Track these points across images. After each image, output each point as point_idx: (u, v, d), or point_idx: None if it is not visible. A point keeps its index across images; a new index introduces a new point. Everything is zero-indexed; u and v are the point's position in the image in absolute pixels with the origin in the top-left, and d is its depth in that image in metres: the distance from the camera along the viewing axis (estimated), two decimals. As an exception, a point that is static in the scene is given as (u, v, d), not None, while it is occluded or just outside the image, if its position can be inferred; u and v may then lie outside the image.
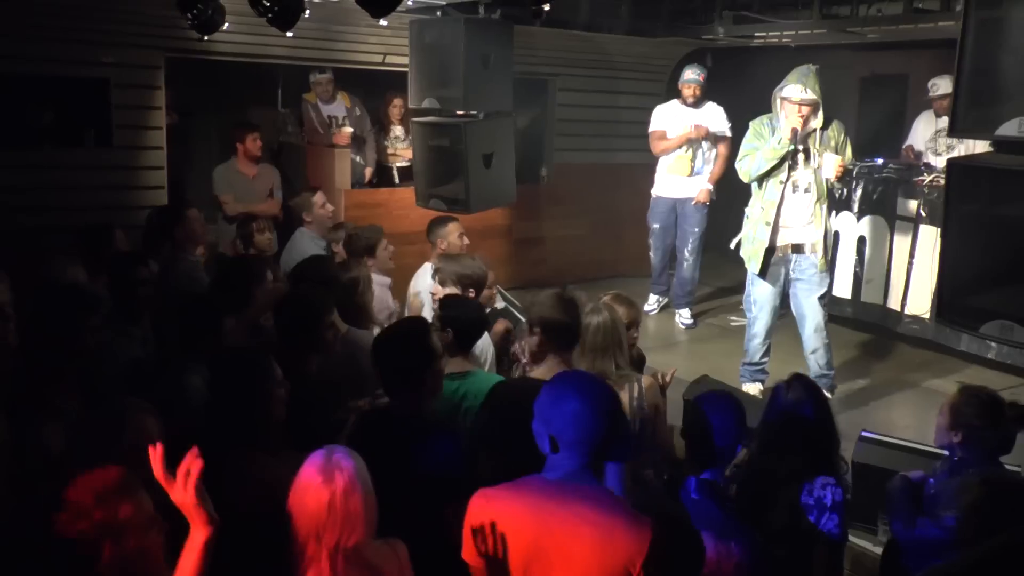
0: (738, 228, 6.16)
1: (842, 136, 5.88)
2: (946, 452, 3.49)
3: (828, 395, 5.44)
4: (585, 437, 2.38)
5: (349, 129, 7.83)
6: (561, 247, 9.02)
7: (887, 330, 7.46)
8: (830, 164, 5.71)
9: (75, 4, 6.33)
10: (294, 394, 3.05)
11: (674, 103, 7.90)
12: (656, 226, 8.00)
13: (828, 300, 6.11)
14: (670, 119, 7.82)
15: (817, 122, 5.76)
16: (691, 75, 7.72)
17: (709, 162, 7.80)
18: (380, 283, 5.35)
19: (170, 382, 3.50)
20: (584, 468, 2.39)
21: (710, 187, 7.80)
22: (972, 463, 3.29)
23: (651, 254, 8.20)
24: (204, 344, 3.62)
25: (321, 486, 2.26)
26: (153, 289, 4.37)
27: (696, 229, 7.85)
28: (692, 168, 7.77)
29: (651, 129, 7.94)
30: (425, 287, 5.15)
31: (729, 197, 7.70)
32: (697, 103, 7.73)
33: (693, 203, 7.80)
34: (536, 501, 2.38)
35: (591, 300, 3.92)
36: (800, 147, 5.74)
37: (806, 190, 5.85)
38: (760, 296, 6.08)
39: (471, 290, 4.54)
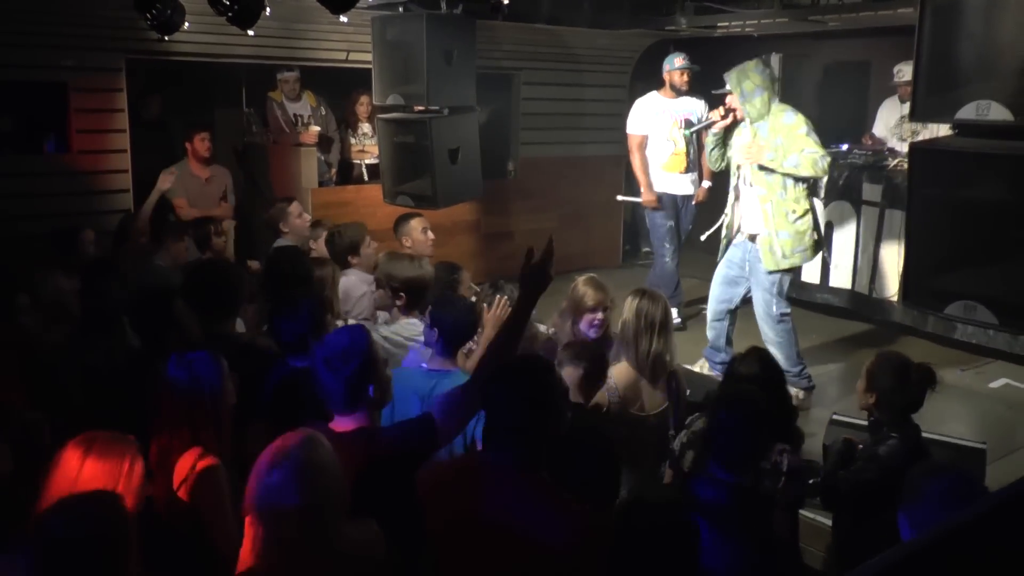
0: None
1: (787, 129, 5.62)
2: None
3: (796, 392, 5.54)
4: (510, 423, 2.46)
5: (316, 128, 7.79)
6: (530, 241, 8.72)
7: (855, 314, 7.54)
8: (737, 151, 5.81)
9: (30, 8, 6.23)
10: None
11: (654, 96, 7.55)
12: (671, 223, 7.50)
13: (775, 300, 5.83)
14: (653, 115, 7.46)
15: (740, 114, 5.78)
16: (682, 61, 7.33)
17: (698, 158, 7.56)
18: (366, 281, 5.26)
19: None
20: (516, 454, 2.46)
21: (708, 185, 7.57)
22: (886, 422, 3.57)
23: (665, 260, 7.53)
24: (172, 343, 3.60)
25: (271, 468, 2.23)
26: (125, 295, 4.31)
27: (690, 227, 7.68)
28: (687, 164, 7.49)
29: (632, 132, 7.55)
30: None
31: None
32: (682, 93, 7.41)
33: (695, 202, 7.61)
34: (465, 479, 2.48)
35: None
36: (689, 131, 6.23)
37: (751, 184, 5.81)
38: (714, 275, 6.18)
39: (401, 294, 4.48)
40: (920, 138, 6.91)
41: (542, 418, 2.48)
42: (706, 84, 7.64)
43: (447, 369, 3.62)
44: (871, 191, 7.30)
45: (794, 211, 5.69)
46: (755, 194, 5.76)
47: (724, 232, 6.08)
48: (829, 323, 7.58)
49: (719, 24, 8.07)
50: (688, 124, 7.36)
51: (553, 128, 9.22)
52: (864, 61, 9.58)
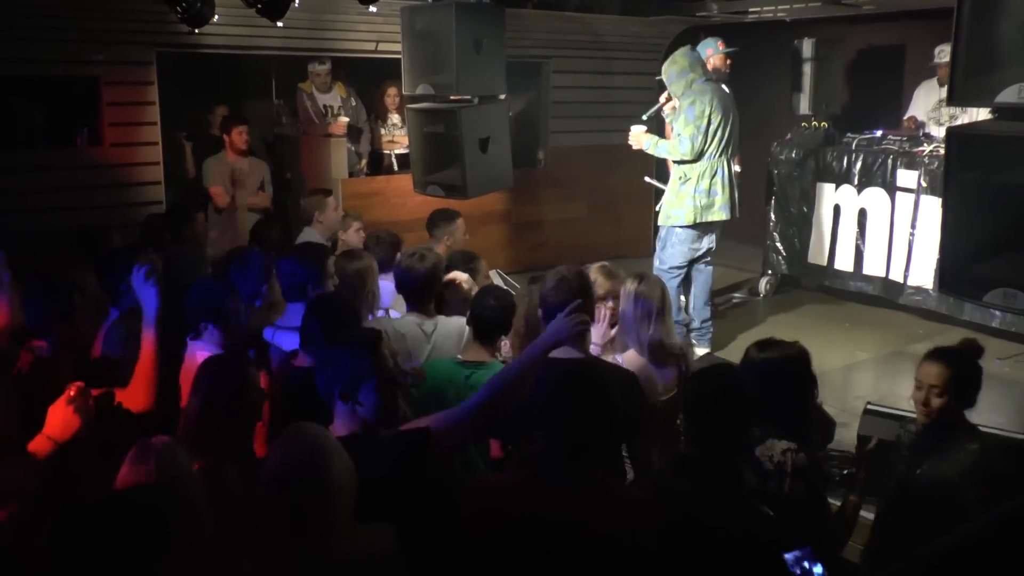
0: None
1: (679, 108, 6.22)
2: None
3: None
4: (561, 429, 2.44)
5: (345, 119, 7.81)
6: (560, 230, 9.00)
7: (890, 302, 7.44)
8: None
9: (61, 3, 6.28)
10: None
11: None
12: None
13: (660, 252, 6.51)
14: None
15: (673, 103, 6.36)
16: (724, 45, 6.80)
17: None
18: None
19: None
20: (566, 459, 2.43)
21: (738, 170, 7.17)
22: (961, 425, 3.48)
23: None
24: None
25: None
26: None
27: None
28: None
29: None
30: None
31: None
32: (723, 78, 6.93)
33: None
34: (525, 492, 2.44)
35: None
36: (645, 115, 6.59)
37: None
38: None
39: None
40: (958, 122, 6.78)
41: (591, 423, 2.48)
42: (736, 69, 7.56)
43: (482, 360, 3.59)
44: (906, 177, 7.18)
45: (681, 177, 6.31)
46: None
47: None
48: (863, 311, 7.49)
49: (751, 9, 7.97)
50: None
51: (583, 116, 9.17)
52: (899, 45, 9.43)
